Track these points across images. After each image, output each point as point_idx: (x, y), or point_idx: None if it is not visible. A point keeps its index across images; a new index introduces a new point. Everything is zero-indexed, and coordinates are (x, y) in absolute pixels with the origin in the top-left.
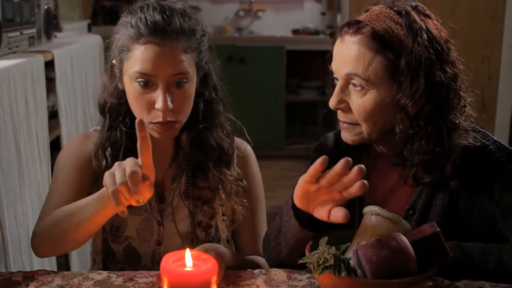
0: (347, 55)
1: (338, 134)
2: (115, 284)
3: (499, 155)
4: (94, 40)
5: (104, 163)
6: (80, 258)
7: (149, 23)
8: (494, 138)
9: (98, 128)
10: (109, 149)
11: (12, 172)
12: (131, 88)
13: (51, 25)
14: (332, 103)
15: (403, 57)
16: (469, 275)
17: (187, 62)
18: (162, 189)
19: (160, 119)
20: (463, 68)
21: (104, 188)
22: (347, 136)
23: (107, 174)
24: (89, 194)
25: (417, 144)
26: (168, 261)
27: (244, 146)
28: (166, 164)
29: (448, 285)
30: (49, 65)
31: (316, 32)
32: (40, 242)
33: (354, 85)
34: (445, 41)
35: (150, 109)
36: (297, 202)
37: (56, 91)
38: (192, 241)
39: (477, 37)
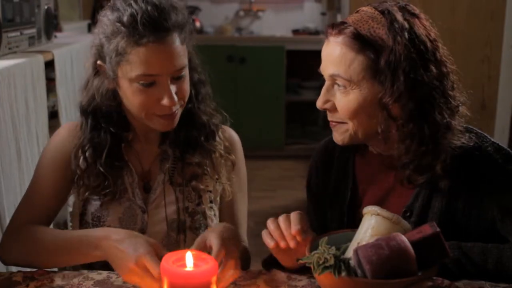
0: (331, 55)
1: (328, 142)
2: (115, 284)
3: (497, 156)
4: None
5: (84, 164)
6: None
7: (145, 20)
8: (492, 139)
9: None
10: (90, 150)
11: (12, 172)
12: (131, 89)
13: (51, 25)
14: (318, 103)
15: (383, 56)
16: (469, 275)
17: (184, 54)
18: (148, 179)
19: (167, 112)
20: (455, 68)
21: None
22: (336, 136)
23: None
24: (68, 192)
25: (402, 144)
26: (168, 261)
27: (230, 132)
28: (153, 154)
29: (448, 285)
30: (49, 65)
31: (316, 32)
32: (11, 253)
33: (338, 85)
34: (432, 41)
35: (154, 104)
36: (288, 266)
37: (56, 91)
38: (178, 228)
39: (477, 37)
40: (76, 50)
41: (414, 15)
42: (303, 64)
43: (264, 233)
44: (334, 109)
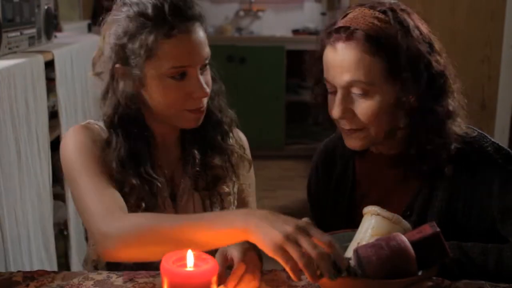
0: (345, 62)
1: (328, 142)
2: (115, 284)
3: (497, 156)
4: (94, 40)
5: (133, 180)
6: (80, 258)
7: (172, 11)
8: (492, 139)
9: (91, 121)
10: (131, 162)
11: (12, 172)
12: (162, 85)
13: (51, 25)
14: (336, 113)
15: (401, 54)
16: (469, 275)
17: (207, 44)
18: (172, 186)
19: (198, 106)
20: (446, 56)
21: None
22: (354, 142)
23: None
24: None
25: (418, 136)
26: (168, 261)
27: (238, 133)
28: (174, 160)
29: (448, 285)
30: (49, 65)
31: (316, 32)
32: (122, 247)
33: (355, 91)
34: (430, 33)
35: (186, 99)
36: None
37: (56, 91)
38: None
39: (477, 37)
40: (76, 50)
41: (405, 11)
42: (303, 64)
43: None
44: (353, 116)
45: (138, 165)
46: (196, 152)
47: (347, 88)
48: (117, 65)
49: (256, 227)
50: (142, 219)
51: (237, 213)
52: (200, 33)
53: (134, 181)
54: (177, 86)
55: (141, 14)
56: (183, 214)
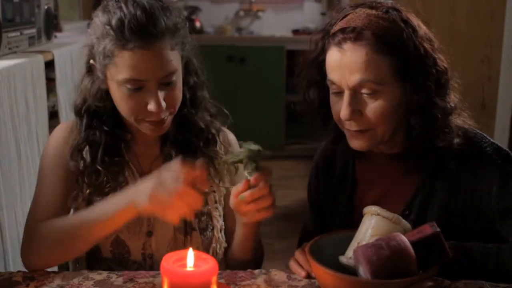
0: (354, 63)
1: (327, 144)
2: (115, 284)
3: (496, 157)
4: None
5: (82, 163)
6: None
7: (132, 25)
8: (491, 140)
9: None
10: (86, 148)
11: (12, 172)
12: (119, 92)
13: (51, 25)
14: (345, 114)
15: (410, 53)
16: (469, 275)
17: (175, 59)
18: None
19: (154, 119)
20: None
21: (125, 194)
22: (360, 143)
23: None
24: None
25: (421, 133)
26: (168, 261)
27: (228, 135)
28: (153, 156)
29: (448, 285)
30: (49, 65)
31: None
32: (37, 258)
33: (364, 91)
34: (429, 31)
35: (141, 109)
36: None
37: (56, 91)
38: (185, 230)
39: (477, 37)
40: (76, 50)
41: (405, 11)
42: (297, 67)
43: (293, 264)
44: (360, 117)
45: (96, 153)
46: (174, 153)
47: (356, 88)
48: (91, 61)
49: (136, 198)
50: (48, 226)
51: (120, 195)
52: (164, 50)
53: (93, 167)
54: (133, 96)
55: (108, 23)
56: (86, 210)
